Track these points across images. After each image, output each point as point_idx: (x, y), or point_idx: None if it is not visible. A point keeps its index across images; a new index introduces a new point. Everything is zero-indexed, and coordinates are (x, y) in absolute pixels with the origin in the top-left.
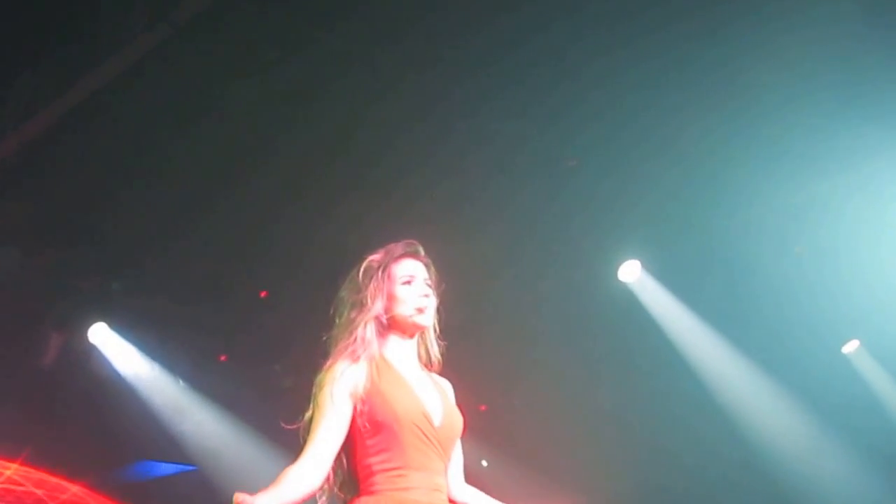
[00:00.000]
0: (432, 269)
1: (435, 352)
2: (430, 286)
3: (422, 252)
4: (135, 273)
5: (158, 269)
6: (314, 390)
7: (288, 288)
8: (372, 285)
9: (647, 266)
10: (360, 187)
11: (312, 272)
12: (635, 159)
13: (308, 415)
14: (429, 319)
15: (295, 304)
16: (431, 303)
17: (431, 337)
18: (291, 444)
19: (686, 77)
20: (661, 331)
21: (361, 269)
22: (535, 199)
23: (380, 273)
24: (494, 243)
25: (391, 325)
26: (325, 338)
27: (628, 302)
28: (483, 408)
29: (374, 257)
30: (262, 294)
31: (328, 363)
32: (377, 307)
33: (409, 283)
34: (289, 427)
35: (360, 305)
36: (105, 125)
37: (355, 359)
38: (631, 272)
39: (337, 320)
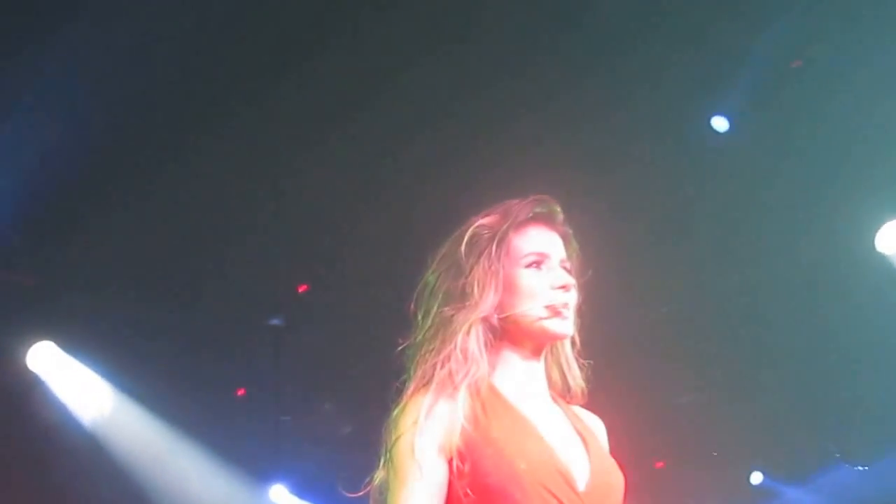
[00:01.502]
0: (574, 244)
1: (575, 375)
2: (570, 271)
3: (560, 216)
4: (101, 265)
5: (138, 260)
6: (386, 438)
7: (336, 283)
8: (481, 266)
9: None
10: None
11: (374, 260)
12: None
13: (379, 477)
14: (568, 326)
15: (350, 306)
16: (572, 299)
17: (569, 353)
18: None
19: None
20: None
21: (465, 239)
22: (752, 139)
23: (494, 247)
24: (669, 207)
25: (507, 332)
26: (400, 347)
27: (889, 280)
28: (660, 464)
29: (485, 220)
30: (301, 288)
31: (407, 393)
32: (488, 301)
33: (537, 265)
34: (352, 495)
35: (461, 297)
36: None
37: (451, 386)
38: (893, 238)
39: (420, 320)
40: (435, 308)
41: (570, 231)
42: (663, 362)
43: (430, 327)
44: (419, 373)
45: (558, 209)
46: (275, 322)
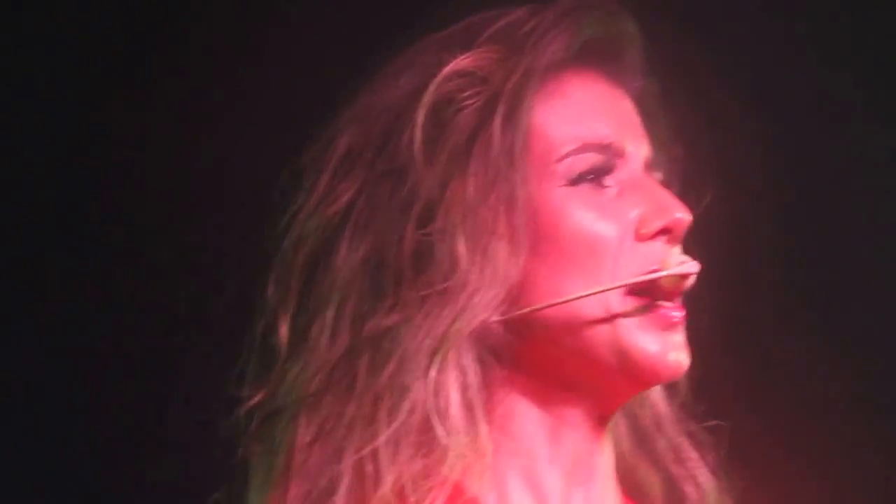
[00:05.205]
0: (662, 119)
1: (699, 477)
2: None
3: (638, 49)
4: None
5: None
6: None
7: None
8: (472, 180)
9: None
10: None
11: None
12: None
13: None
14: (680, 342)
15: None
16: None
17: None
18: None
19: None
20: None
21: (422, 111)
22: None
23: (497, 133)
24: None
25: (523, 360)
26: (236, 409)
27: None
28: None
29: (467, 62)
30: None
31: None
32: (496, 279)
33: (597, 176)
34: None
35: (435, 272)
36: None
37: None
38: None
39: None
40: (350, 301)
41: (655, 85)
42: None
43: (317, 354)
44: (298, 472)
45: (632, 27)
46: None
